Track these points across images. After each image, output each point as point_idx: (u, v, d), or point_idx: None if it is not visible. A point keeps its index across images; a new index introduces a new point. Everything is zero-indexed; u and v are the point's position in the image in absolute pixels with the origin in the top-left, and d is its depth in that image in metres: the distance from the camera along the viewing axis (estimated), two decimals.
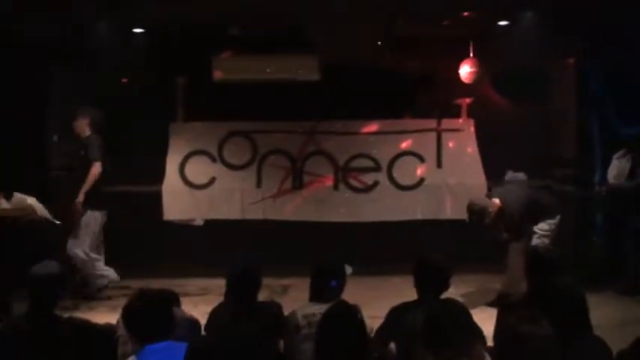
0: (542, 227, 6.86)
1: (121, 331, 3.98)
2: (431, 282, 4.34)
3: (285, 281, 7.77)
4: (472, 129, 8.39)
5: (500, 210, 6.91)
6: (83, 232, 7.41)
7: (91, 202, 7.41)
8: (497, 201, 6.98)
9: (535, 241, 6.77)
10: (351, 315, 3.54)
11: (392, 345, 4.13)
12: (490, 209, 6.92)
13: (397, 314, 4.30)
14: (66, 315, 4.17)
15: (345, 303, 3.83)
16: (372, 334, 4.12)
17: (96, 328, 3.47)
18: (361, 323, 3.55)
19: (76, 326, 3.31)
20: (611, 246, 7.73)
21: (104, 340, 3.36)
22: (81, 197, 7.34)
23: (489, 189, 7.58)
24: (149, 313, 3.42)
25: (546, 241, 6.74)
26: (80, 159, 7.51)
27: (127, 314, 3.48)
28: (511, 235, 6.95)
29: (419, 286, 4.38)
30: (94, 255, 7.48)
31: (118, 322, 4.09)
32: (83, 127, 7.51)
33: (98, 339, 3.22)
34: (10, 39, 7.25)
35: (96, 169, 7.39)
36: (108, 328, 4.02)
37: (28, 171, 7.58)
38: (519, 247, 6.69)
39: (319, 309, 4.06)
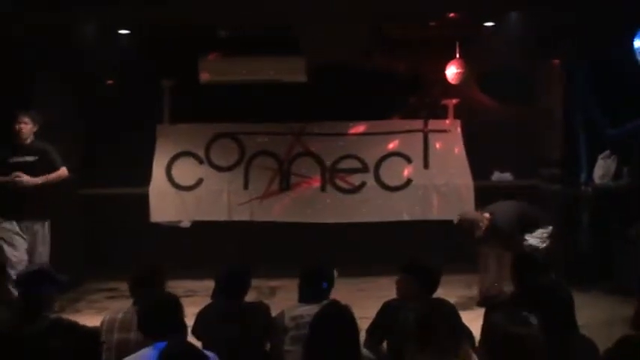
0: (536, 234, 6.87)
1: (104, 337, 3.96)
2: (420, 282, 4.34)
3: (274, 283, 7.75)
4: (459, 130, 8.41)
5: (491, 223, 6.94)
6: (44, 248, 6.97)
7: (51, 210, 7.04)
8: (487, 214, 7.01)
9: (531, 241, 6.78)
10: (343, 315, 3.53)
11: (383, 345, 4.14)
12: (480, 223, 6.94)
13: (390, 311, 4.30)
14: (52, 316, 4.14)
15: (337, 303, 3.83)
16: (361, 334, 4.11)
17: (83, 330, 3.45)
18: (353, 323, 3.54)
19: (64, 327, 3.29)
20: (598, 246, 7.77)
21: (90, 344, 3.34)
22: (39, 180, 6.82)
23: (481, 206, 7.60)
24: (163, 311, 3.43)
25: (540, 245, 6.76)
26: (25, 165, 6.95)
27: (143, 311, 3.50)
28: (501, 246, 6.97)
29: (409, 286, 4.38)
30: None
31: (101, 324, 4.07)
32: (30, 132, 7.03)
33: (84, 341, 3.21)
34: (8, 39, 7.21)
35: (64, 172, 7.05)
36: (94, 332, 4.00)
37: None
38: (507, 255, 6.67)
39: (307, 310, 4.06)
